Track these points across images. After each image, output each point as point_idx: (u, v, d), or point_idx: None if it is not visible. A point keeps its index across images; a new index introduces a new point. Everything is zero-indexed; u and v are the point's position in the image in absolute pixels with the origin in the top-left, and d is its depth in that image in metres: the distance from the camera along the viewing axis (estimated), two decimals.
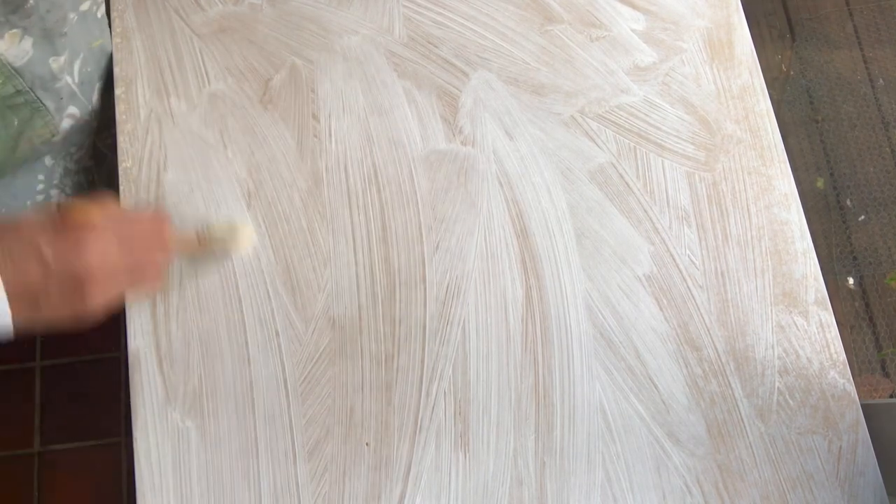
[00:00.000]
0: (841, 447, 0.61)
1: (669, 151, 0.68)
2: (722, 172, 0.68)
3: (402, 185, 0.66)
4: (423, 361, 0.61)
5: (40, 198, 0.67)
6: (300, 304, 0.62)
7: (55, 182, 0.68)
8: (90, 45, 0.64)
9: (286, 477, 0.58)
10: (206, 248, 0.61)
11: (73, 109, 0.64)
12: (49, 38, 0.57)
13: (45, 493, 1.25)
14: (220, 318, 0.61)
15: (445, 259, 0.64)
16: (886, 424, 0.61)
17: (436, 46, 0.70)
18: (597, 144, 0.68)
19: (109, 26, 0.69)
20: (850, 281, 1.50)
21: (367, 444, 0.59)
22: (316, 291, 0.62)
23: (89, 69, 0.65)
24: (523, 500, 0.58)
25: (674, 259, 0.65)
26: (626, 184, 0.67)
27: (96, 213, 0.46)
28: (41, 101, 0.59)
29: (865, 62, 1.64)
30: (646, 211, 0.66)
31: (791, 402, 0.62)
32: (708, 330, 0.63)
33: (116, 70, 0.68)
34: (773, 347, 0.63)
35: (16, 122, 0.58)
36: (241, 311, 0.62)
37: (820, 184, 1.56)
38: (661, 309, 0.64)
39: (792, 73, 1.63)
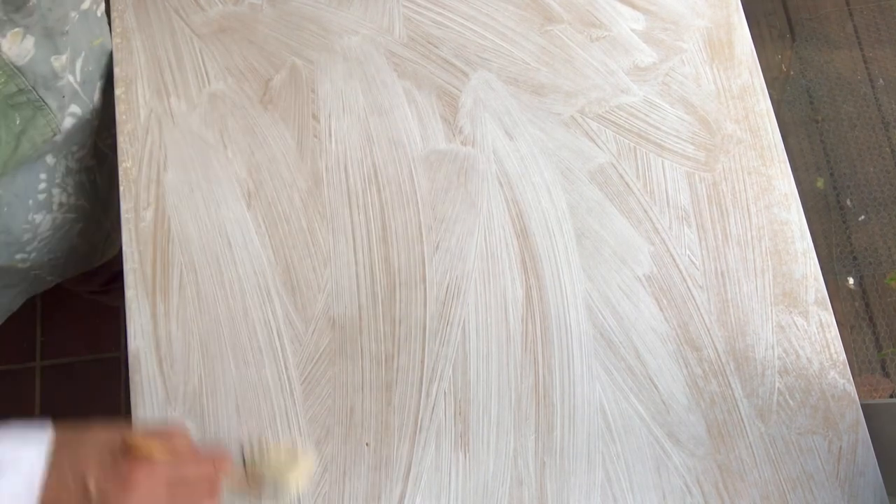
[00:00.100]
0: (841, 447, 0.61)
1: (669, 151, 0.68)
2: (722, 172, 0.68)
3: (402, 185, 0.66)
4: (423, 361, 0.61)
5: (42, 196, 0.67)
6: (300, 304, 0.62)
7: (57, 181, 0.68)
8: (91, 43, 0.64)
9: None
10: (257, 482, 0.51)
11: (74, 108, 0.64)
12: (51, 37, 0.57)
13: None
14: (220, 318, 0.61)
15: (445, 259, 0.64)
16: (886, 424, 0.61)
17: (436, 46, 0.70)
18: (597, 144, 0.68)
19: (109, 25, 0.69)
20: (850, 281, 1.50)
21: (367, 444, 0.59)
22: (316, 291, 0.62)
23: (90, 68, 0.65)
24: (523, 500, 0.58)
25: (674, 259, 0.65)
26: (626, 184, 0.67)
27: (159, 450, 0.43)
28: (43, 100, 0.59)
29: (865, 62, 1.64)
30: (646, 211, 0.66)
31: (791, 402, 0.62)
32: (708, 330, 0.63)
33: (116, 70, 0.68)
34: (773, 347, 0.63)
35: (18, 121, 0.58)
36: (242, 312, 0.62)
37: (820, 184, 1.56)
38: (661, 309, 0.64)
39: (792, 73, 1.63)
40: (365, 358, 0.61)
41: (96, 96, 0.68)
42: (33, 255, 0.71)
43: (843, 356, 0.64)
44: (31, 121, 0.59)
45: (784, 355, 0.63)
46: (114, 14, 0.70)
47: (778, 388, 0.62)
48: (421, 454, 0.59)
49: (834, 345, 0.64)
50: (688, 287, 0.64)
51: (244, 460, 0.51)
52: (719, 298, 0.64)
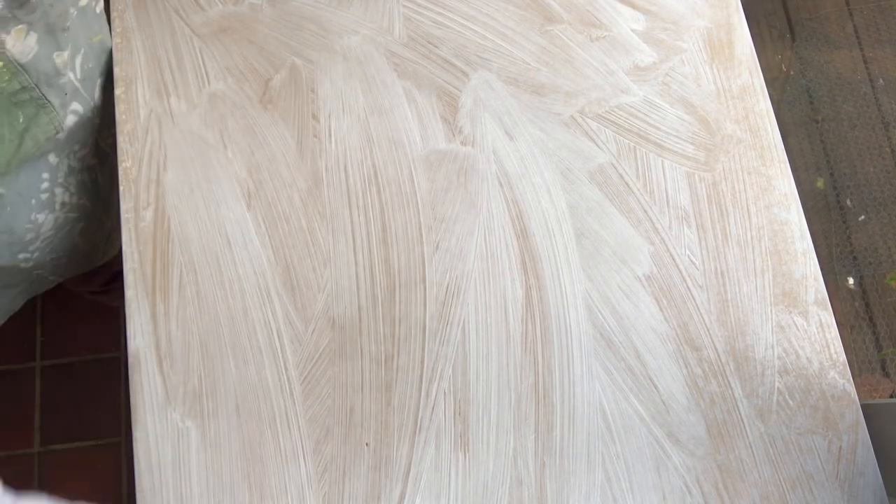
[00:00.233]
0: (841, 447, 0.61)
1: (669, 151, 0.68)
2: (722, 172, 0.68)
3: (402, 185, 0.66)
4: (422, 361, 0.61)
5: (45, 196, 0.67)
6: (300, 304, 0.62)
7: (60, 181, 0.68)
8: (90, 40, 0.64)
9: (286, 477, 0.58)
10: None
11: (76, 105, 0.64)
12: (52, 33, 0.57)
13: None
14: (220, 318, 0.62)
15: (445, 259, 0.64)
16: (886, 424, 0.61)
17: (436, 46, 0.70)
18: (597, 144, 0.68)
19: (109, 23, 0.69)
20: (850, 281, 1.50)
21: (366, 444, 0.59)
22: (316, 291, 0.62)
23: (90, 65, 0.65)
24: (523, 500, 0.58)
25: (674, 259, 0.65)
26: (626, 184, 0.67)
27: None
28: (46, 98, 0.59)
29: (865, 62, 1.64)
30: (646, 211, 0.66)
31: (791, 402, 0.62)
32: (708, 330, 0.63)
33: (116, 70, 0.68)
34: (772, 347, 0.63)
35: (21, 119, 0.58)
36: (241, 312, 0.62)
37: (820, 184, 1.56)
38: (660, 309, 0.64)
39: (792, 73, 1.63)
40: (365, 358, 0.61)
41: (97, 94, 0.67)
42: (36, 254, 0.71)
43: (842, 356, 0.64)
44: (35, 118, 0.59)
45: (784, 355, 0.63)
46: (113, 14, 0.70)
47: (778, 388, 0.62)
48: (421, 454, 0.59)
49: (834, 345, 0.64)
50: (688, 287, 0.64)
51: None
52: (719, 298, 0.64)
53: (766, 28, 1.66)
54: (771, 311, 0.64)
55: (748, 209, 0.67)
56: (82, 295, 1.05)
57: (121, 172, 0.65)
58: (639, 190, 0.67)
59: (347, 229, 0.64)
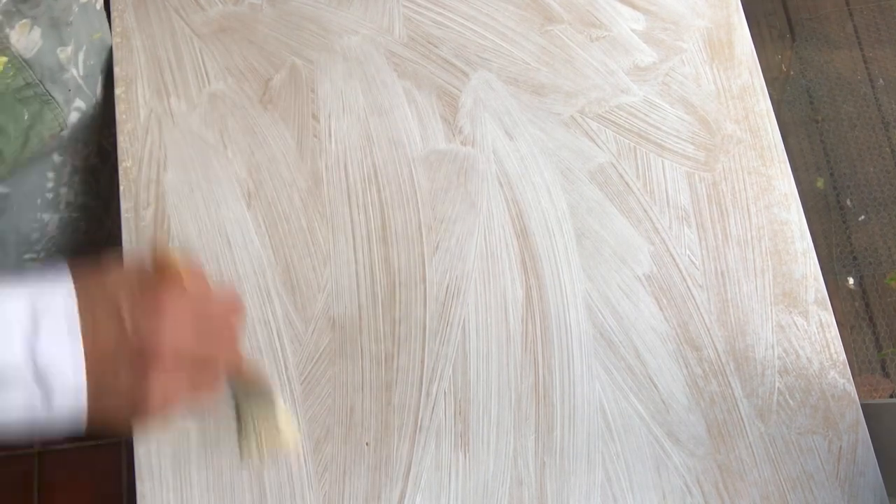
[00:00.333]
0: (841, 447, 0.61)
1: (669, 151, 0.68)
2: (722, 172, 0.68)
3: (402, 184, 0.66)
4: (423, 361, 0.61)
5: (50, 196, 0.67)
6: (300, 304, 0.62)
7: (65, 180, 0.68)
8: (91, 37, 0.64)
9: (286, 477, 0.58)
10: (257, 389, 0.48)
11: (79, 102, 0.64)
12: (56, 28, 0.57)
13: (45, 493, 1.25)
14: None
15: (445, 259, 0.64)
16: (886, 424, 0.61)
17: (436, 46, 0.70)
18: (597, 144, 0.68)
19: (109, 21, 0.69)
20: (850, 281, 1.50)
21: (367, 443, 0.59)
22: (316, 291, 0.62)
23: (92, 62, 0.65)
24: (523, 500, 0.58)
25: (674, 259, 0.65)
26: (626, 184, 0.67)
27: (186, 273, 0.41)
28: (50, 94, 0.59)
29: (865, 62, 1.64)
30: (646, 211, 0.66)
31: (791, 402, 0.62)
32: (708, 330, 0.63)
33: (116, 70, 0.68)
34: (773, 347, 0.63)
35: (26, 116, 0.57)
36: None
37: (820, 184, 1.56)
38: (661, 309, 0.64)
39: (792, 73, 1.63)
40: (365, 358, 0.61)
41: (98, 91, 0.67)
42: (42, 254, 0.71)
43: (843, 356, 0.64)
44: (39, 115, 0.59)
45: (784, 355, 0.63)
46: (114, 14, 0.70)
47: (778, 388, 0.62)
48: (421, 454, 0.59)
49: (834, 345, 0.64)
50: (688, 287, 0.64)
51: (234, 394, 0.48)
52: (719, 298, 0.64)
53: (766, 28, 1.66)
54: (771, 310, 0.64)
55: (748, 209, 0.67)
56: None
57: (121, 172, 0.65)
58: (639, 190, 0.67)
59: (347, 229, 0.64)
